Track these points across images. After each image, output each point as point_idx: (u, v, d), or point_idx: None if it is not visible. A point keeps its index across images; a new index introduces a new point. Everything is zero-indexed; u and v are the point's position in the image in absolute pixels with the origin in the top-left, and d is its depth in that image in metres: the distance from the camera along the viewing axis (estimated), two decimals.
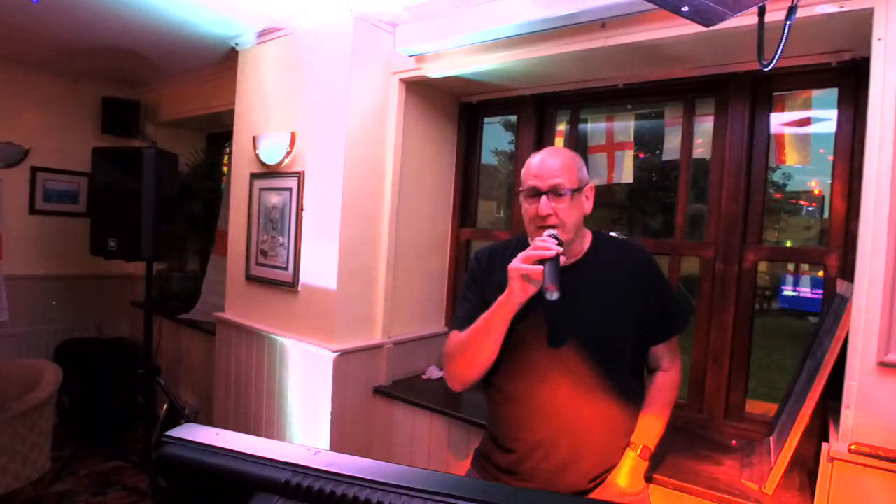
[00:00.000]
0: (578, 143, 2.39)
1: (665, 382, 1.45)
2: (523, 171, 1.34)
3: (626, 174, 2.31)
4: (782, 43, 1.02)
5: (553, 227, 1.27)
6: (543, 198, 1.27)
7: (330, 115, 2.26)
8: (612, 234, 1.53)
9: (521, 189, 1.34)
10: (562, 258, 1.21)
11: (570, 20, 1.77)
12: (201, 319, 3.28)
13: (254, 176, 2.58)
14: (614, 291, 1.35)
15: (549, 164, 1.29)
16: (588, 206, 1.34)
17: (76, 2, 2.38)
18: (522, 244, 1.41)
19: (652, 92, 2.17)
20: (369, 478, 0.48)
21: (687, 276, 2.23)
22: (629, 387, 1.39)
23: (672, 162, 2.14)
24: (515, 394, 1.35)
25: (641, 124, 2.32)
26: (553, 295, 1.12)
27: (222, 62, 3.02)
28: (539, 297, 1.28)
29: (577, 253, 1.37)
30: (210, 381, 2.88)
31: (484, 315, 1.30)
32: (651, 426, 1.39)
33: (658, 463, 1.67)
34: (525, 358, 1.34)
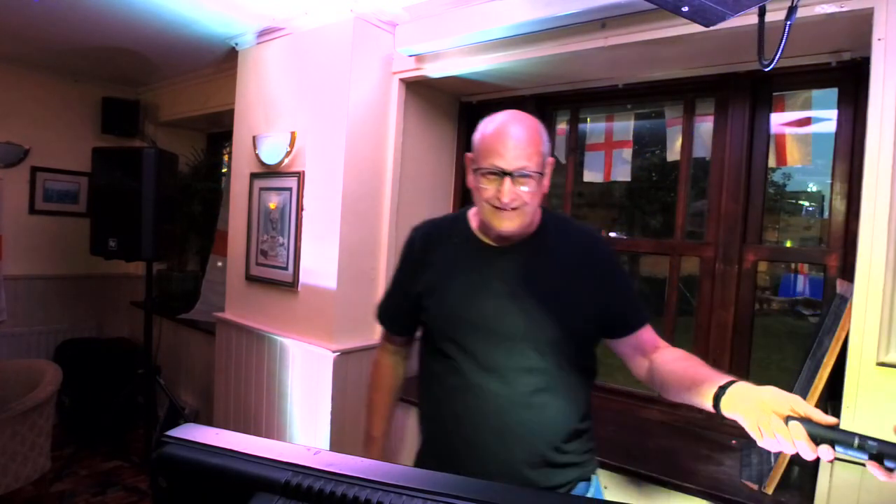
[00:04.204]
0: (578, 143, 2.39)
1: (672, 352, 1.19)
2: (479, 139, 1.14)
3: (623, 172, 2.31)
4: (782, 43, 1.01)
5: (514, 209, 1.12)
6: (507, 181, 1.09)
7: (330, 115, 2.26)
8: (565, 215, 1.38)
9: (476, 166, 1.14)
10: (507, 237, 1.17)
11: (569, 20, 1.77)
12: (201, 319, 3.28)
13: (254, 176, 2.58)
14: (562, 278, 1.19)
15: (514, 139, 1.09)
16: (546, 184, 1.18)
17: (76, 2, 2.37)
18: (462, 222, 1.28)
19: (652, 92, 2.17)
20: (369, 478, 0.48)
21: (687, 275, 2.23)
22: (573, 386, 1.23)
23: (673, 162, 2.14)
24: (449, 391, 1.23)
25: (641, 124, 2.33)
26: None
27: (222, 62, 3.02)
28: (477, 279, 1.20)
29: (525, 233, 1.21)
30: (210, 381, 2.88)
31: (368, 415, 1.40)
32: (705, 367, 1.09)
33: (658, 462, 1.67)
34: (458, 350, 1.20)
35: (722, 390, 0.96)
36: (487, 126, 1.14)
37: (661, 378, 1.14)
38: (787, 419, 0.83)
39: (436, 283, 1.24)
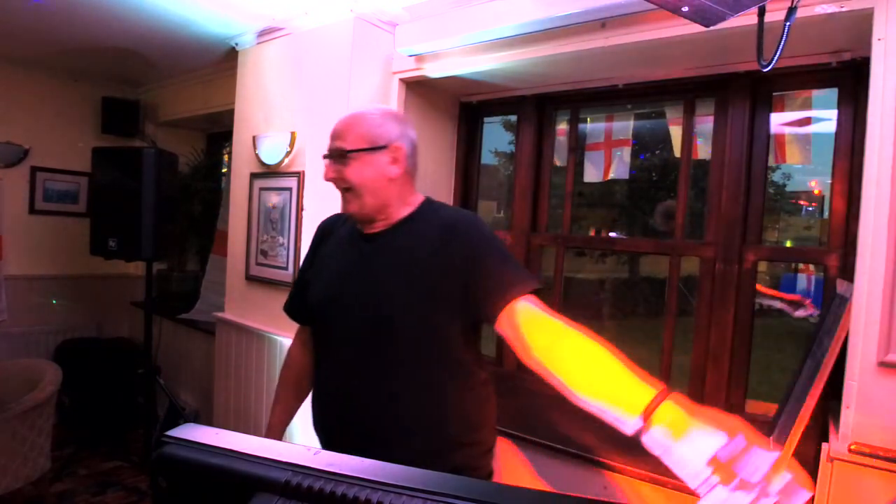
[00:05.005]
0: (578, 143, 2.39)
1: (578, 341, 0.98)
2: None
3: (622, 171, 2.32)
4: (781, 44, 1.02)
5: (347, 190, 1.19)
6: (327, 162, 1.21)
7: (330, 115, 2.25)
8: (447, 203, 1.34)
9: None
10: (369, 226, 1.22)
11: (569, 20, 1.77)
12: (201, 319, 3.28)
13: (254, 176, 2.58)
14: (417, 265, 1.16)
15: (340, 124, 1.21)
16: (394, 168, 1.19)
17: (76, 2, 2.37)
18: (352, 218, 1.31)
19: (652, 92, 2.17)
20: (369, 478, 0.48)
21: (687, 276, 2.23)
22: (437, 387, 1.16)
23: (672, 162, 2.14)
24: (321, 378, 1.29)
25: (641, 124, 2.33)
26: None
27: (222, 62, 3.02)
28: (344, 266, 1.25)
29: (390, 221, 1.23)
30: (210, 381, 2.88)
31: (272, 404, 1.42)
32: (621, 370, 0.91)
33: (658, 462, 1.67)
34: (324, 336, 1.28)
35: (648, 418, 0.81)
36: None
37: (560, 377, 0.96)
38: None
39: (318, 271, 1.32)
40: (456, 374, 1.19)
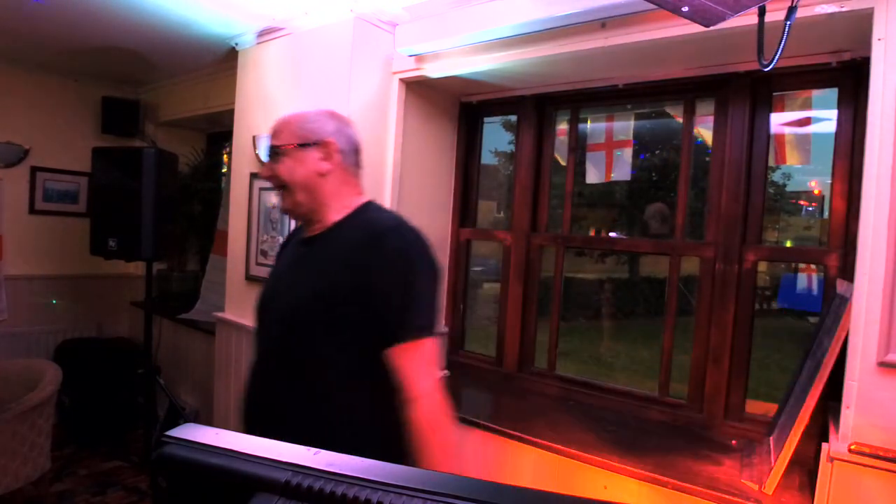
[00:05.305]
0: (578, 143, 2.39)
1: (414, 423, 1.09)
2: None
3: (623, 172, 2.32)
4: (782, 43, 1.02)
5: (280, 187, 1.20)
6: (267, 160, 1.23)
7: None
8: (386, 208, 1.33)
9: None
10: (310, 228, 1.23)
11: (569, 20, 1.77)
12: (201, 319, 3.28)
13: (254, 176, 2.58)
14: (323, 270, 1.16)
15: (276, 123, 1.22)
16: (325, 165, 1.18)
17: (76, 2, 2.37)
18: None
19: (652, 92, 2.17)
20: (369, 478, 0.48)
21: (687, 275, 2.23)
22: (343, 400, 1.14)
23: (672, 161, 2.14)
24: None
25: (642, 124, 2.32)
26: None
27: (222, 62, 3.02)
28: (279, 271, 1.30)
29: (325, 224, 1.21)
30: (210, 381, 2.88)
31: None
32: None
33: (658, 462, 1.67)
34: (255, 337, 1.30)
35: None
36: None
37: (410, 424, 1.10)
38: None
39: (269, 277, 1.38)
40: (353, 388, 1.15)
